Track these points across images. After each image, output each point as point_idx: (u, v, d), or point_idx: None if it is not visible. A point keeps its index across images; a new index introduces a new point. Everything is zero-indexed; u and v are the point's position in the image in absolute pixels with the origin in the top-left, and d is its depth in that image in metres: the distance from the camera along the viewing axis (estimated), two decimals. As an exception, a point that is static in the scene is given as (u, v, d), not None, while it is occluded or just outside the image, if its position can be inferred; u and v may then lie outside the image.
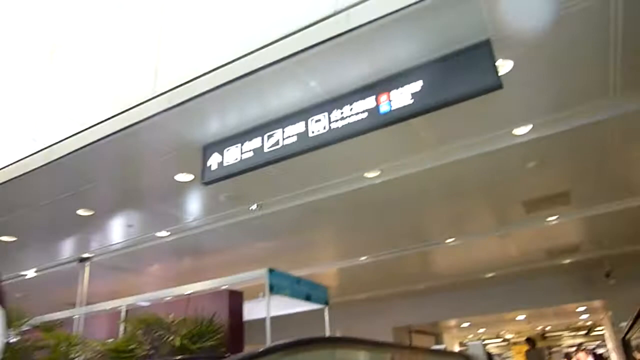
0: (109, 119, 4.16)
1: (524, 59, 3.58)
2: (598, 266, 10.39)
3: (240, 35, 3.62)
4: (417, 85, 3.43)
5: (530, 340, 8.62)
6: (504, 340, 26.04)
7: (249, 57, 3.40)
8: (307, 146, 3.79)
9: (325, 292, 7.31)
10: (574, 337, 31.61)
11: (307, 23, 3.14)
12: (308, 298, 6.85)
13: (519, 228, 7.42)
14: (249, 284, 6.15)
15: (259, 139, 4.06)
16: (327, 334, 7.22)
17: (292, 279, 6.61)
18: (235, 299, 6.24)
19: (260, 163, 4.00)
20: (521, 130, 4.56)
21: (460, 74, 3.31)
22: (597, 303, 12.20)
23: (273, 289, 6.09)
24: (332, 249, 8.04)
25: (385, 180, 5.34)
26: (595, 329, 23.80)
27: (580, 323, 21.62)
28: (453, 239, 7.83)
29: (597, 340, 37.97)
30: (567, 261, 9.83)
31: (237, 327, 6.03)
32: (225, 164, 4.20)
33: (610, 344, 15.74)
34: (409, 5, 2.96)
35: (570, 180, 5.91)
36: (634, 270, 10.38)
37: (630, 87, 4.05)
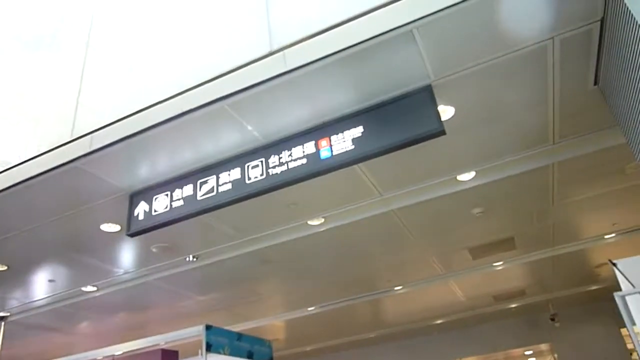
0: (20, 163, 3.73)
1: (465, 105, 3.52)
2: (544, 309, 10.49)
3: (169, 75, 3.37)
4: (357, 131, 3.27)
5: None
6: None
7: (178, 97, 3.13)
8: (244, 194, 3.51)
9: (269, 347, 6.83)
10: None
11: (241, 63, 2.93)
12: (250, 356, 6.37)
13: (466, 274, 7.34)
14: (186, 341, 5.64)
15: (191, 186, 3.75)
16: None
17: (232, 335, 6.13)
18: (170, 359, 5.68)
19: (193, 212, 3.67)
20: (465, 177, 4.51)
21: (402, 120, 3.19)
22: (544, 346, 12.27)
23: (211, 348, 5.61)
24: (278, 300, 7.63)
25: (330, 228, 5.11)
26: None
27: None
28: (401, 287, 7.63)
29: (545, 381, 38.48)
30: (514, 305, 9.85)
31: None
32: (153, 213, 3.83)
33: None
34: (346, 48, 2.82)
35: (515, 226, 5.92)
36: (577, 312, 10.56)
37: (570, 134, 4.09)
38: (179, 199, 3.75)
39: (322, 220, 4.99)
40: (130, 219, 3.91)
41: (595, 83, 3.47)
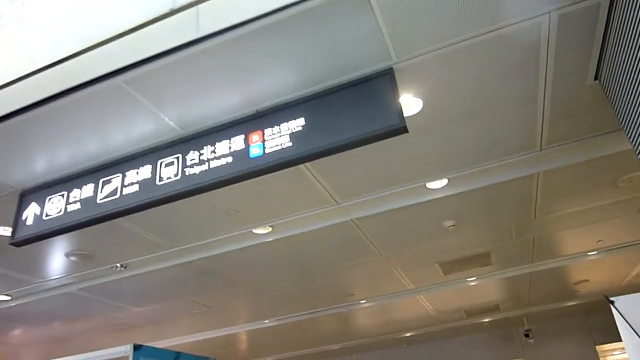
0: None
1: (436, 97, 2.83)
2: (518, 324, 9.95)
3: (47, 37, 2.56)
4: (297, 124, 2.54)
5: None
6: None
7: (54, 69, 2.35)
8: (153, 198, 2.75)
9: (213, 366, 6.07)
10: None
11: (133, 24, 2.16)
12: (189, 376, 5.60)
13: (437, 290, 6.70)
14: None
15: (92, 186, 2.97)
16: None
17: (168, 355, 5.36)
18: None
19: (90, 219, 2.89)
20: (435, 185, 3.82)
21: (354, 112, 2.47)
22: (516, 361, 11.78)
23: (141, 372, 4.83)
24: (228, 313, 6.86)
25: (279, 237, 4.38)
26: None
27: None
28: (365, 301, 6.95)
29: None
30: (487, 320, 9.28)
31: None
32: (45, 217, 3.04)
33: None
34: (283, 8, 2.09)
35: (491, 241, 5.28)
36: (552, 328, 10.07)
37: (560, 139, 3.44)
38: (75, 202, 2.97)
39: (269, 229, 4.25)
40: (17, 224, 3.11)
41: (596, 77, 2.82)
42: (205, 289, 5.65)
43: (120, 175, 2.91)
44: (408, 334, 9.71)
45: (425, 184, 3.79)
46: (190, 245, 4.38)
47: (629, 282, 7.88)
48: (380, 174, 3.59)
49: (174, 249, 4.44)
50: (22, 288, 5.10)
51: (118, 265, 4.67)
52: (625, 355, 14.26)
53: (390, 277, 6.08)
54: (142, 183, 2.81)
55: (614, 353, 17.94)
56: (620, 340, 9.79)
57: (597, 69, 2.75)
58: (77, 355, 5.14)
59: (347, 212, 4.07)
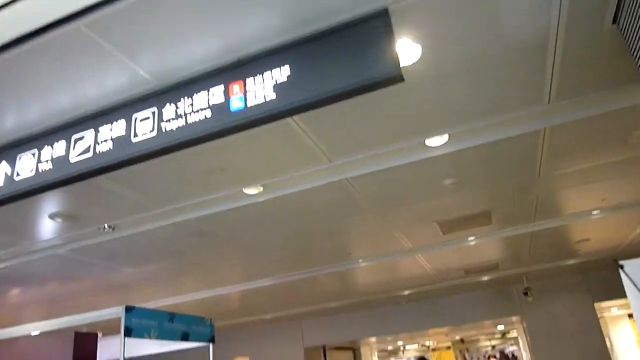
0: None
1: (437, 44, 2.56)
2: (517, 282, 9.94)
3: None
4: (282, 73, 2.30)
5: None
6: (423, 345, 25.97)
7: (17, 8, 2.08)
8: (129, 156, 2.54)
9: (210, 327, 6.04)
10: (490, 339, 32.59)
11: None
12: (185, 337, 5.56)
13: (436, 249, 6.59)
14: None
15: (63, 143, 2.75)
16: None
17: (162, 316, 5.29)
18: (85, 342, 4.83)
19: (64, 179, 2.69)
20: (435, 141, 3.59)
21: (344, 59, 2.22)
22: (514, 318, 11.88)
23: (131, 332, 4.77)
24: (225, 273, 6.79)
25: (271, 198, 4.20)
26: (509, 333, 24.29)
27: (496, 332, 21.88)
28: (363, 260, 6.86)
29: (511, 342, 39.76)
30: (486, 278, 9.25)
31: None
32: (16, 177, 2.84)
33: (522, 344, 15.86)
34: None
35: (493, 200, 5.10)
36: (551, 285, 10.07)
37: (570, 92, 3.18)
38: (47, 160, 2.76)
39: (261, 189, 4.06)
40: (-12, 185, 2.92)
41: (615, 20, 2.54)
42: (198, 249, 5.53)
43: (93, 131, 2.69)
44: (407, 292, 9.72)
45: (424, 141, 3.56)
46: (178, 205, 4.21)
47: (631, 241, 7.76)
48: (375, 130, 3.36)
49: (162, 210, 4.27)
50: (9, 250, 4.97)
51: (105, 226, 4.51)
52: (623, 312, 14.45)
53: (388, 237, 5.95)
54: (117, 140, 2.59)
55: (611, 310, 18.22)
56: (618, 297, 9.81)
57: (616, 10, 2.47)
58: (68, 317, 5.08)
59: (342, 170, 3.86)
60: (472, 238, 6.33)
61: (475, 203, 5.11)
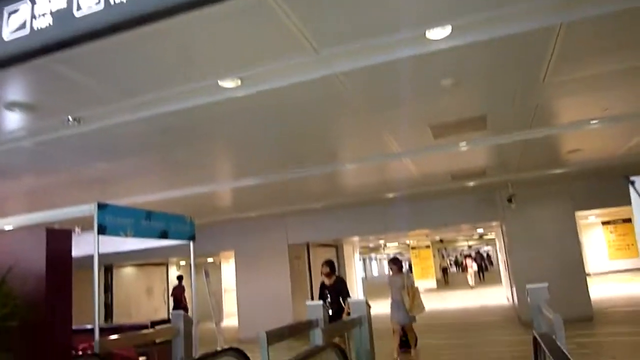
0: None
1: None
2: (501, 189, 9.96)
3: None
4: None
5: (396, 261, 8.33)
6: (404, 243, 27.13)
7: None
8: (72, 34, 2.12)
9: (190, 225, 5.96)
10: (468, 240, 34.18)
11: None
12: (164, 235, 5.46)
13: (425, 153, 6.37)
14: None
15: (-6, 17, 2.30)
16: (192, 273, 6.00)
17: (138, 214, 5.12)
18: (58, 238, 4.66)
19: (-3, 61, 2.28)
20: (437, 34, 3.16)
21: None
22: (494, 222, 12.16)
23: (105, 230, 4.61)
24: (205, 170, 6.55)
25: (251, 93, 3.81)
26: (486, 235, 25.33)
27: (474, 234, 22.75)
28: (350, 164, 6.65)
29: (486, 243, 41.93)
30: (472, 184, 9.22)
31: (59, 280, 4.53)
32: (-57, 58, 2.41)
33: (498, 246, 16.59)
34: None
35: (491, 104, 4.77)
36: (533, 193, 10.13)
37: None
38: (-23, 38, 2.32)
39: (239, 82, 3.65)
40: None
41: None
42: (175, 146, 5.22)
43: (29, 3, 2.22)
44: (391, 195, 9.72)
45: (424, 32, 3.12)
46: (145, 98, 3.80)
47: (624, 153, 7.62)
48: (368, 17, 2.91)
49: (129, 102, 3.87)
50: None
51: (70, 118, 4.12)
52: (597, 220, 14.89)
53: (377, 140, 5.67)
54: (57, 14, 2.15)
55: (588, 218, 18.74)
56: (599, 207, 9.88)
57: None
58: (40, 213, 4.89)
59: (329, 63, 3.44)
60: (463, 144, 6.09)
61: (472, 106, 4.78)
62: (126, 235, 4.75)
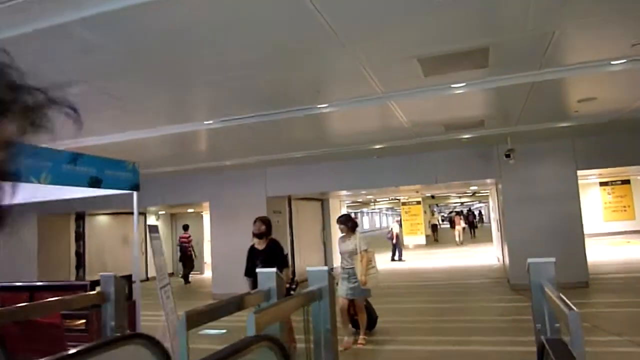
0: None
1: None
2: (499, 143, 9.07)
3: None
4: None
5: (347, 219, 6.29)
6: (394, 199, 26.49)
7: None
8: None
9: (133, 172, 5.06)
10: (460, 197, 33.59)
11: None
12: (95, 183, 4.57)
13: (414, 96, 5.42)
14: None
15: None
16: (135, 232, 5.16)
17: (60, 156, 4.22)
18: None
19: None
20: None
21: None
22: (489, 180, 11.34)
23: (18, 176, 3.68)
24: (153, 108, 5.59)
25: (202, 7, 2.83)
26: (479, 192, 24.69)
27: (468, 192, 22.04)
28: (326, 106, 5.71)
29: (479, 201, 41.46)
30: (467, 136, 8.32)
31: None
32: None
33: (491, 205, 15.88)
34: None
35: (496, 30, 3.79)
36: (534, 149, 9.28)
37: None
38: None
39: None
40: None
41: None
42: (107, 73, 4.24)
43: None
44: (378, 146, 8.82)
45: None
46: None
47: (637, 106, 6.73)
48: None
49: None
50: None
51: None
52: (595, 180, 14.11)
53: (356, 77, 4.71)
54: None
55: (588, 178, 17.95)
56: (601, 166, 9.02)
57: None
58: None
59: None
60: (459, 85, 5.15)
61: (472, 33, 3.80)
62: (39, 182, 3.87)
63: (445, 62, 4.38)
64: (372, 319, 6.61)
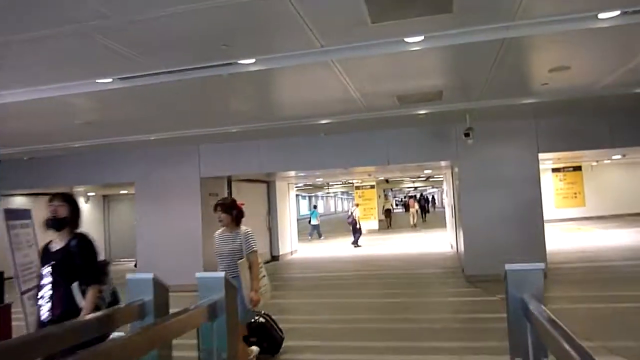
0: None
1: None
2: (457, 122, 8.22)
3: None
4: None
5: (229, 206, 4.58)
6: (348, 183, 25.69)
7: None
8: None
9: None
10: (414, 182, 33.29)
11: None
12: None
13: (359, 53, 4.36)
14: None
15: None
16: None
17: None
18: None
19: None
20: None
21: None
22: (443, 163, 10.56)
23: None
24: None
25: None
26: (433, 177, 24.27)
27: (421, 175, 21.47)
28: (253, 61, 4.57)
29: (433, 186, 41.47)
30: (423, 112, 7.39)
31: None
32: None
33: (445, 189, 15.25)
34: None
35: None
36: (494, 128, 8.53)
37: None
38: None
39: None
40: None
41: None
42: None
43: None
44: (325, 121, 7.76)
45: None
46: None
47: (608, 84, 6.04)
48: None
49: None
50: None
51: None
52: (549, 166, 13.64)
53: (285, 24, 3.61)
54: None
55: (543, 163, 17.63)
56: (563, 149, 8.29)
57: None
58: None
59: None
60: (416, 38, 4.13)
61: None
62: None
63: (399, 4, 3.34)
64: (274, 342, 5.03)
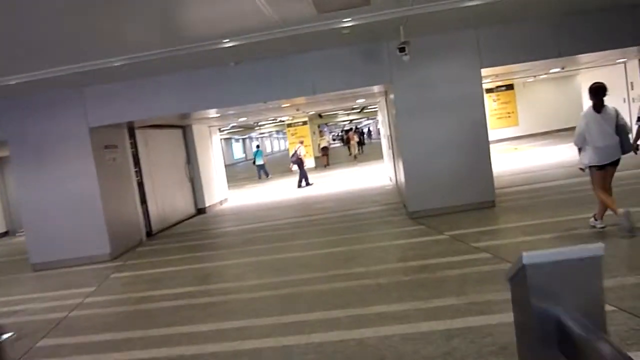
0: None
1: None
2: (389, 38, 6.96)
3: None
4: None
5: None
6: (280, 121, 24.18)
7: None
8: None
9: None
10: (348, 114, 32.21)
11: None
12: None
13: None
14: None
15: None
16: None
17: None
18: None
19: None
20: None
21: None
22: (376, 88, 9.37)
23: None
24: None
25: None
26: (369, 108, 23.26)
27: (355, 106, 20.26)
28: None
29: (368, 118, 40.75)
30: (348, 24, 6.04)
31: None
32: None
33: (380, 120, 14.24)
34: None
35: None
36: (431, 43, 7.41)
37: None
38: None
39: None
40: None
41: None
42: None
43: None
44: (231, 44, 6.23)
45: None
46: None
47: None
48: None
49: None
50: None
51: None
52: (485, 86, 12.37)
53: None
54: None
55: (485, 80, 16.97)
56: (507, 62, 7.24)
57: None
58: None
59: None
60: None
61: None
62: None
63: None
64: None
